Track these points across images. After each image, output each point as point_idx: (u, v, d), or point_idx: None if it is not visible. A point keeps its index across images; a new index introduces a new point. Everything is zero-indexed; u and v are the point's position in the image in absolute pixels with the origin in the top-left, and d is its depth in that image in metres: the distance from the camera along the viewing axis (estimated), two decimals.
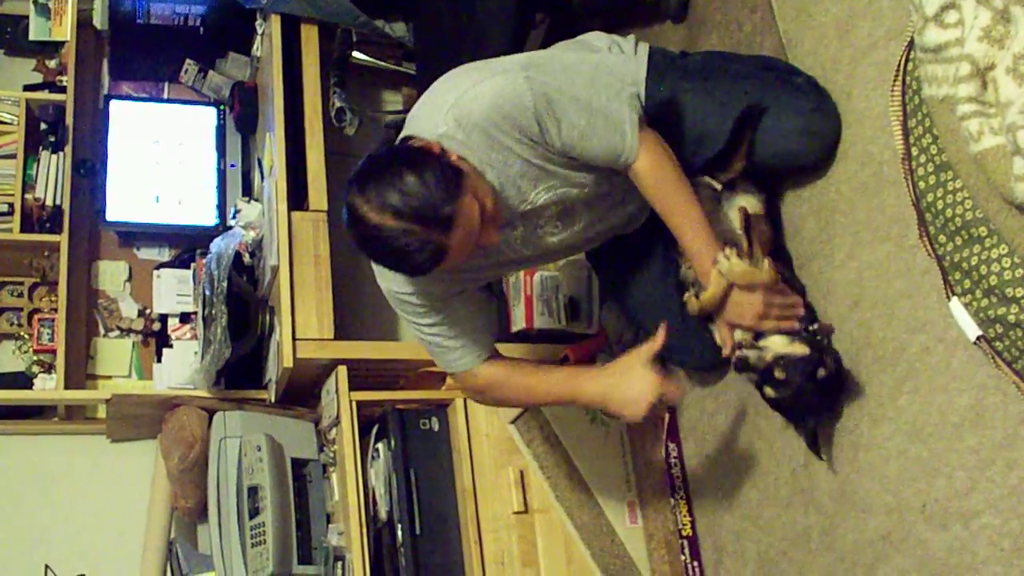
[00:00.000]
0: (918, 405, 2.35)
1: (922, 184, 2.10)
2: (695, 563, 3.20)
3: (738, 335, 2.61)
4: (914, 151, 2.11)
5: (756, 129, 2.63)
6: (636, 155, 2.45)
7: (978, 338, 2.06)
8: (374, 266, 2.50)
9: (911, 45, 2.10)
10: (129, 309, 3.98)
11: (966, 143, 1.83)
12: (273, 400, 3.51)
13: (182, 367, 3.71)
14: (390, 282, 2.55)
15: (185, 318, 3.90)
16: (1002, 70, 1.78)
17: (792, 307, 2.58)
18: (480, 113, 2.33)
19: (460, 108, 2.33)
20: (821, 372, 2.51)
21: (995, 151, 1.77)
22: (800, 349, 2.52)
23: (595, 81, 2.46)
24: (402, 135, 2.43)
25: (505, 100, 2.33)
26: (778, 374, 2.53)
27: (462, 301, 2.62)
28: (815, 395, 2.55)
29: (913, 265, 2.34)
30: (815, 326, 2.59)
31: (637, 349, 2.57)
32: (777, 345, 2.55)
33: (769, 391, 2.57)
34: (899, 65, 2.19)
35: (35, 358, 3.76)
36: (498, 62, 2.47)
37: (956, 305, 2.08)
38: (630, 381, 2.53)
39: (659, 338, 2.53)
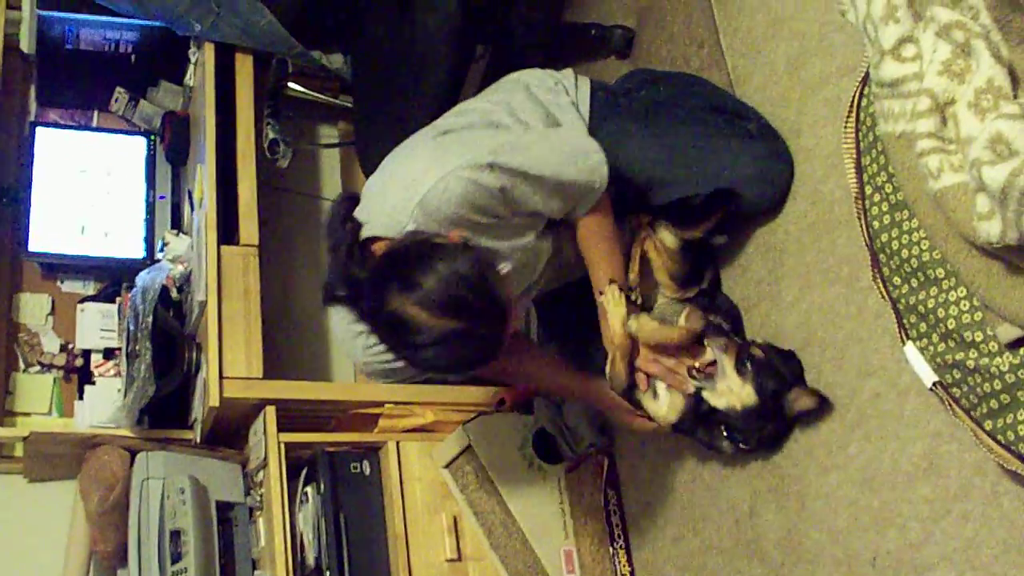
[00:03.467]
0: (869, 453, 2.30)
1: (876, 224, 2.04)
2: None
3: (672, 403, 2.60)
4: (868, 189, 2.06)
5: (731, 207, 2.63)
6: (586, 211, 2.49)
7: (934, 384, 2.00)
8: (363, 358, 2.50)
9: (865, 80, 2.05)
10: (51, 344, 3.84)
11: (925, 180, 1.77)
12: (199, 440, 3.40)
13: (105, 405, 3.57)
14: (386, 373, 2.54)
15: (109, 354, 3.78)
16: (963, 105, 1.72)
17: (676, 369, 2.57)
18: (451, 208, 2.29)
19: (428, 205, 2.28)
20: (768, 428, 2.51)
21: (956, 189, 1.71)
22: (749, 398, 2.48)
23: (560, 155, 2.44)
24: (363, 231, 2.37)
25: (474, 194, 2.30)
26: (725, 441, 2.59)
27: None
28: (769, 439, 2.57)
29: (865, 308, 2.31)
30: (748, 362, 2.53)
31: None
32: (725, 395, 2.52)
33: (726, 446, 2.60)
34: (852, 101, 2.14)
35: None
36: (458, 142, 2.44)
37: (911, 350, 2.02)
38: None
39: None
